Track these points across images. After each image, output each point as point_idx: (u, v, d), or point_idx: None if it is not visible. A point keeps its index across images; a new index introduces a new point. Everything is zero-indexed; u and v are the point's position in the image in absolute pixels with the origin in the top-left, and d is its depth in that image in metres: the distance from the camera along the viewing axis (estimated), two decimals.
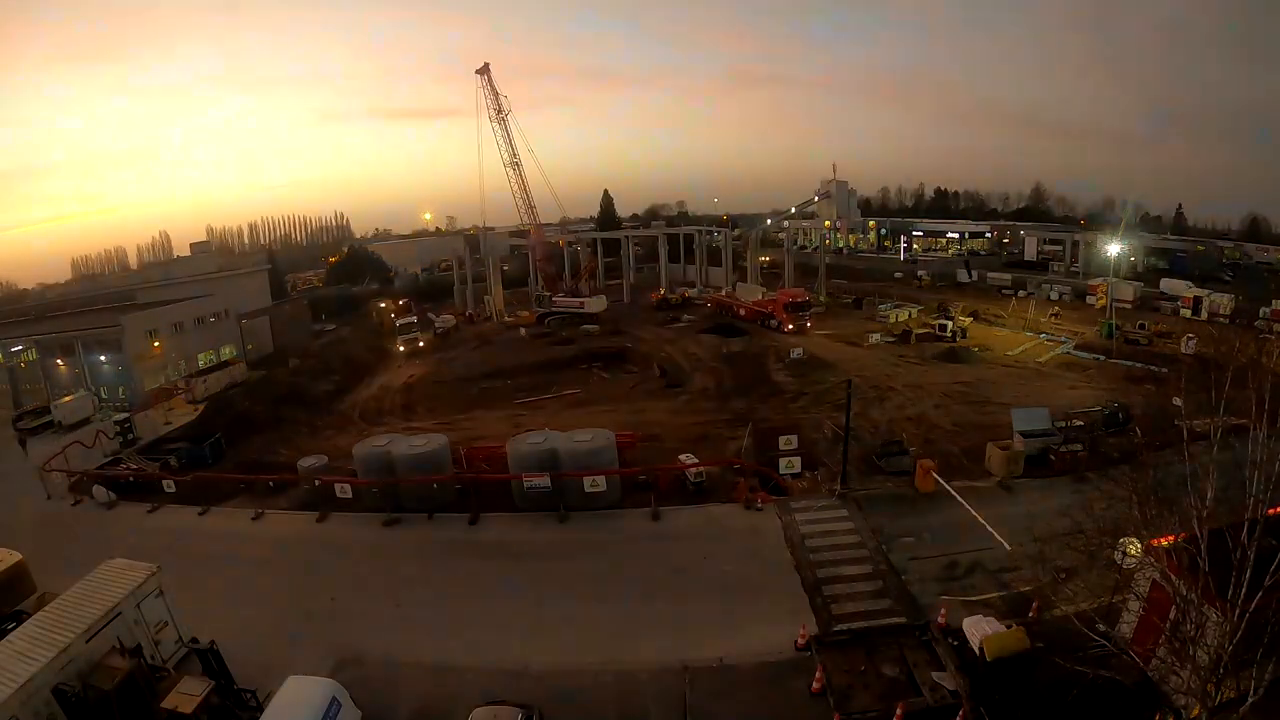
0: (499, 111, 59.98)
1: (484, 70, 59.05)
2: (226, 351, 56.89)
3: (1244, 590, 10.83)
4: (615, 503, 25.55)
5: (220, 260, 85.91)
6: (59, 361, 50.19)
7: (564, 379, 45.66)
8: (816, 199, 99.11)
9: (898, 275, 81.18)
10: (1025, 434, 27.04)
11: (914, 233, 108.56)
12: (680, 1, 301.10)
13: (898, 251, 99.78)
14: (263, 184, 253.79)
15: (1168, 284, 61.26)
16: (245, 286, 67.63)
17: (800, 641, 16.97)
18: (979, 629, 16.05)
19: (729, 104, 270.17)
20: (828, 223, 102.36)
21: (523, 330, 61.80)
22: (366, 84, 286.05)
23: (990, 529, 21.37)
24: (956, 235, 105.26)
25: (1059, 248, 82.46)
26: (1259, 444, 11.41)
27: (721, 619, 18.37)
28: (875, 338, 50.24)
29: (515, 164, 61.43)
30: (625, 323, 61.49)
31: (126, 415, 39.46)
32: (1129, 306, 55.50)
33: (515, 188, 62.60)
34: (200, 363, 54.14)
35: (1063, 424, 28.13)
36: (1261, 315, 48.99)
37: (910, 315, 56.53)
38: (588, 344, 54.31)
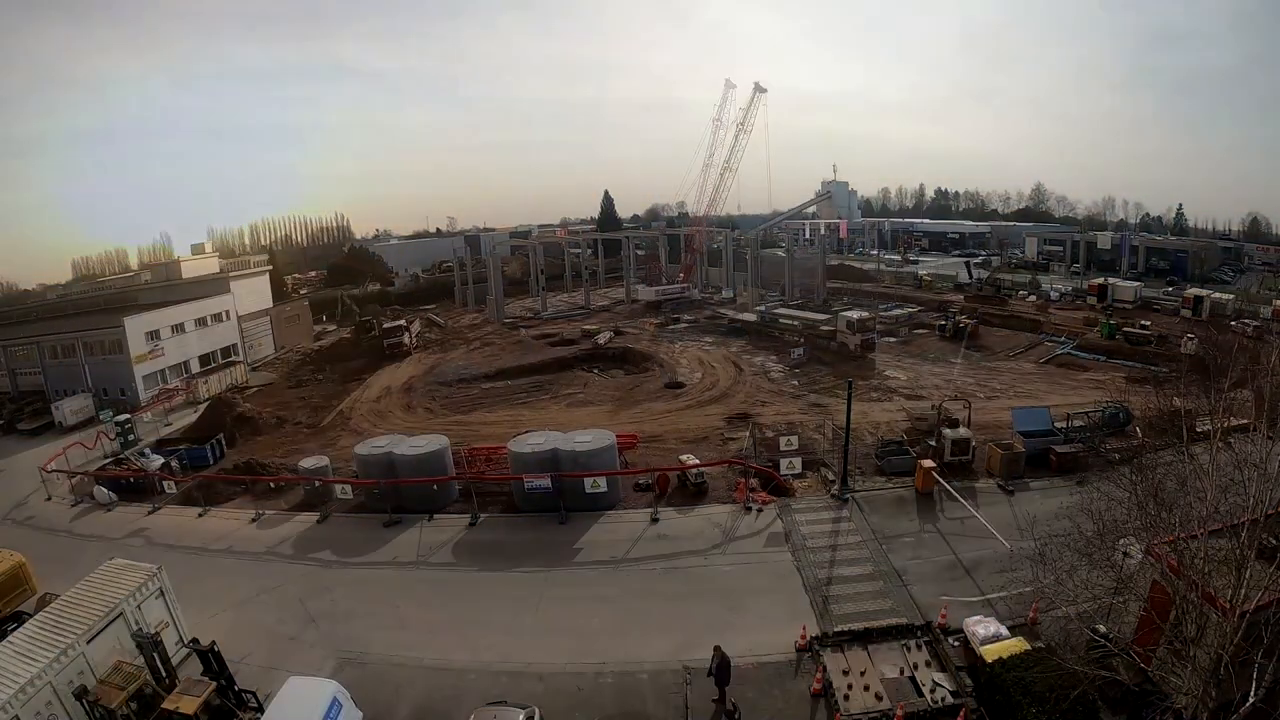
0: (742, 125, 66.60)
1: (761, 90, 65.44)
2: (227, 352, 56.76)
3: (1244, 590, 10.82)
4: (615, 503, 25.59)
5: (221, 261, 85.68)
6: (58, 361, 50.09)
7: (564, 380, 45.73)
8: (817, 200, 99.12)
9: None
10: (1025, 434, 27.04)
11: (914, 232, 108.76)
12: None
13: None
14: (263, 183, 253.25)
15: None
16: (245, 287, 67.47)
17: (800, 642, 16.99)
18: (979, 629, 16.05)
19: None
20: (826, 224, 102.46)
21: (522, 331, 61.77)
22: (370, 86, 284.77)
23: (990, 529, 21.37)
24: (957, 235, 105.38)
25: (1059, 248, 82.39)
26: (1259, 444, 11.41)
27: (721, 619, 18.35)
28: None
29: (731, 170, 69.35)
30: (626, 323, 61.56)
31: (127, 416, 39.44)
32: (1129, 306, 55.42)
33: (727, 185, 69.98)
34: (200, 364, 54.02)
35: (1063, 424, 28.12)
36: (1261, 315, 48.93)
37: (910, 315, 56.49)
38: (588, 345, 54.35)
